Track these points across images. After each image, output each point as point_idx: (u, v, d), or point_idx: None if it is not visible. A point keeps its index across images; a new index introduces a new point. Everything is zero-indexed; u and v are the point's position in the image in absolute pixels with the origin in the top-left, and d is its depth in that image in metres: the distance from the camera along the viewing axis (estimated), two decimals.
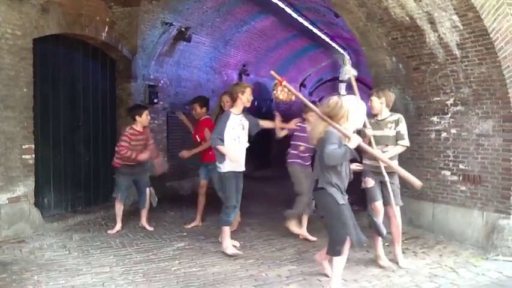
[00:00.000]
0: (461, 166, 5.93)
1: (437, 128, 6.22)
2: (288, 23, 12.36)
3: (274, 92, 4.58)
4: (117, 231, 6.39)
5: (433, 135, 6.29)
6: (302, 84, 19.74)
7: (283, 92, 4.33)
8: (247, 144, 5.58)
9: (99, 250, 5.63)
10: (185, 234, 6.44)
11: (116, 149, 6.40)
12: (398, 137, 5.07)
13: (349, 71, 5.33)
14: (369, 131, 4.95)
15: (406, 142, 5.08)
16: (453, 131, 6.02)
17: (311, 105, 4.59)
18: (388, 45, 6.35)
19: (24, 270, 4.84)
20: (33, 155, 6.32)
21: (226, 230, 5.50)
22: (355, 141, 4.07)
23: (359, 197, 5.52)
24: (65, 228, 6.61)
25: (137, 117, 6.43)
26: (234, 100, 5.61)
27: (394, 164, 4.68)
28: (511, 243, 5.25)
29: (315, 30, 13.30)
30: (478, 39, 5.19)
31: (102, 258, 5.35)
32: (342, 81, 23.34)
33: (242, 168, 5.50)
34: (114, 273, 4.84)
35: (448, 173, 6.10)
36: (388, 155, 4.91)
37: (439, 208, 6.22)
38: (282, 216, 6.26)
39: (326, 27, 13.42)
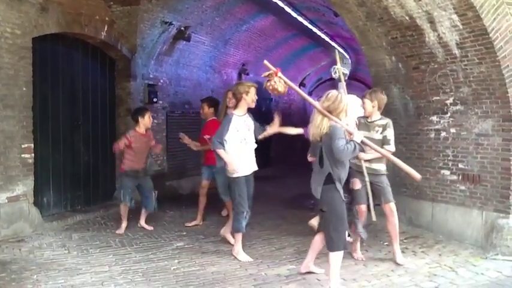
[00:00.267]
0: (460, 165, 5.93)
1: (436, 127, 6.21)
2: (287, 23, 12.37)
3: (268, 84, 4.24)
4: (125, 228, 6.41)
5: (432, 135, 6.29)
6: (302, 84, 19.74)
7: (281, 83, 4.13)
8: (255, 145, 5.38)
9: (98, 249, 5.63)
10: (184, 233, 6.44)
11: (127, 151, 6.42)
12: (384, 141, 5.13)
13: (339, 70, 5.31)
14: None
15: (391, 147, 5.14)
16: (452, 130, 6.02)
17: (309, 98, 4.56)
18: (387, 44, 6.35)
19: (23, 270, 4.83)
20: (33, 154, 6.31)
21: (238, 237, 5.33)
22: (358, 135, 4.16)
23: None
24: (64, 227, 6.61)
25: (140, 119, 6.43)
26: (237, 100, 5.37)
27: (393, 157, 4.60)
28: (510, 242, 5.25)
29: (315, 30, 13.31)
30: (478, 38, 5.18)
31: (102, 257, 5.35)
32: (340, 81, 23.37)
33: (251, 171, 5.32)
34: (113, 272, 4.84)
35: (447, 172, 6.10)
36: (374, 156, 4.96)
37: (439, 207, 6.22)
38: (281, 215, 6.26)
39: (326, 27, 13.43)
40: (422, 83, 6.21)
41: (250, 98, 5.25)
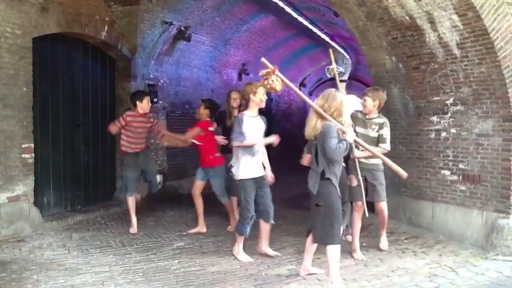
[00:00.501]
0: (460, 166, 5.93)
1: (437, 127, 6.21)
2: (287, 22, 12.37)
3: (266, 82, 4.17)
4: (136, 224, 6.44)
5: (432, 135, 6.28)
6: (302, 84, 19.75)
7: (278, 81, 4.11)
8: (263, 149, 5.28)
9: (98, 249, 5.63)
10: (185, 233, 6.44)
11: (122, 133, 6.43)
12: (380, 139, 5.30)
13: (333, 70, 5.34)
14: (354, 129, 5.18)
15: (387, 146, 5.31)
16: (453, 130, 6.01)
17: (305, 97, 4.58)
18: (387, 44, 6.34)
19: (23, 270, 4.83)
20: (33, 154, 6.31)
21: (240, 239, 5.30)
22: (351, 135, 4.28)
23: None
24: (64, 227, 6.61)
25: (138, 103, 6.39)
26: (246, 102, 5.31)
27: (383, 156, 4.73)
28: (510, 242, 5.25)
29: (315, 30, 13.32)
30: (478, 38, 5.18)
31: (102, 257, 5.35)
32: (342, 81, 23.34)
33: (261, 173, 5.20)
34: (113, 272, 4.84)
35: (447, 172, 6.10)
36: (364, 154, 5.15)
37: (439, 208, 6.22)
38: (282, 215, 6.26)
39: (326, 27, 13.43)
40: (422, 83, 6.21)
41: (258, 97, 5.12)
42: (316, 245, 4.60)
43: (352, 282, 4.55)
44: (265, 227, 5.28)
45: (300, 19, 11.93)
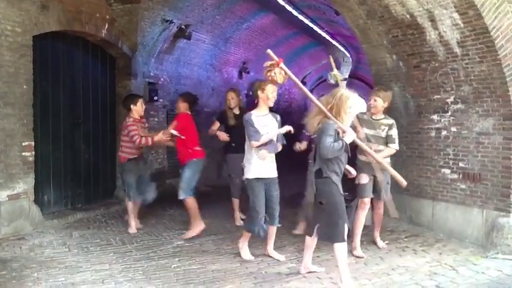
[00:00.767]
0: (461, 164, 5.92)
1: (437, 126, 6.21)
2: (288, 21, 12.35)
3: (268, 74, 4.07)
4: (137, 227, 6.37)
5: (433, 133, 6.28)
6: (302, 82, 19.71)
7: (281, 74, 4.03)
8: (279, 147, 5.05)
9: (98, 247, 5.63)
10: (184, 231, 6.43)
11: (125, 140, 6.22)
12: (389, 140, 5.38)
13: (336, 76, 5.38)
14: (364, 130, 5.27)
15: (396, 146, 5.41)
16: (453, 129, 6.01)
17: (308, 93, 4.52)
18: (388, 43, 6.34)
19: (24, 268, 4.84)
20: (33, 152, 6.31)
21: (247, 234, 5.20)
22: (351, 136, 4.22)
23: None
24: (64, 225, 6.61)
25: (132, 106, 6.28)
26: (256, 99, 5.11)
27: (385, 162, 4.78)
28: (510, 241, 5.25)
29: (315, 28, 13.30)
30: (479, 37, 5.18)
31: (102, 255, 5.35)
32: (342, 80, 23.33)
33: (271, 174, 5.02)
34: (113, 270, 4.85)
35: (448, 171, 6.10)
36: (382, 154, 5.15)
37: (439, 206, 6.22)
38: (282, 214, 6.24)
39: (326, 25, 13.42)
40: (423, 82, 6.21)
41: (265, 94, 4.96)
42: (315, 242, 4.60)
43: (353, 281, 4.54)
44: (270, 230, 5.19)
45: (301, 17, 11.91)
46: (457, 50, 5.53)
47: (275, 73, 4.36)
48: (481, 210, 5.67)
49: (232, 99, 6.68)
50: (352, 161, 4.96)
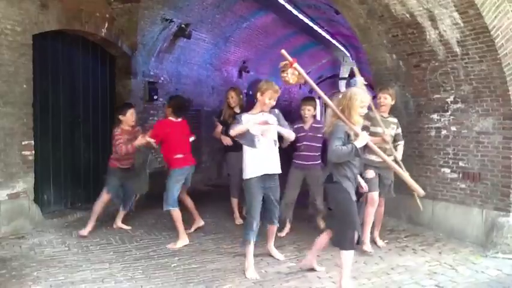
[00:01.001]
0: (461, 164, 5.93)
1: (437, 125, 6.21)
2: (288, 20, 12.34)
3: (284, 74, 3.99)
4: (89, 231, 6.05)
5: (433, 133, 6.28)
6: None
7: (294, 75, 3.92)
8: (272, 144, 4.75)
9: (98, 246, 5.63)
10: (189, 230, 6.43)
11: (114, 149, 6.13)
12: (397, 137, 5.51)
13: (360, 83, 5.18)
14: (383, 131, 5.23)
15: (403, 142, 5.60)
16: (453, 128, 6.01)
17: (322, 93, 4.30)
18: (388, 42, 6.33)
19: (23, 267, 4.84)
20: (33, 151, 6.30)
21: (245, 250, 4.79)
22: (363, 139, 4.00)
23: (361, 193, 5.55)
24: (64, 224, 6.61)
25: (121, 117, 6.11)
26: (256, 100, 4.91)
27: (399, 169, 4.45)
28: (510, 240, 5.25)
29: (315, 28, 13.29)
30: (479, 36, 5.18)
31: (102, 254, 5.35)
32: (342, 79, 23.30)
33: (270, 171, 4.72)
34: (113, 269, 4.85)
35: (447, 170, 6.10)
36: (399, 157, 5.28)
37: (439, 205, 6.22)
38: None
39: (326, 25, 13.41)
40: (423, 81, 6.21)
41: (263, 99, 4.71)
42: (325, 243, 4.53)
43: (352, 280, 4.54)
44: (271, 229, 5.10)
45: (301, 17, 11.91)
46: (457, 50, 5.53)
47: (287, 74, 4.27)
48: (480, 210, 5.67)
49: (232, 98, 6.67)
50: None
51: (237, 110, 6.64)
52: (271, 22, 12.32)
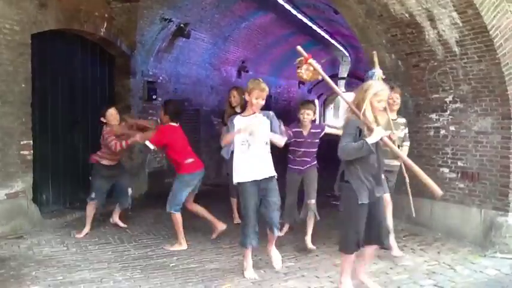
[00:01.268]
0: (459, 163, 5.93)
1: (436, 125, 6.21)
2: (287, 20, 12.36)
3: (298, 71, 4.15)
4: (86, 233, 6.06)
5: (431, 133, 6.28)
6: (301, 82, 19.72)
7: (308, 71, 4.04)
8: (263, 147, 4.49)
9: (97, 246, 5.63)
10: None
11: (104, 148, 6.00)
12: (404, 138, 5.38)
13: (378, 75, 4.98)
14: (395, 133, 5.04)
15: (409, 143, 5.46)
16: (452, 128, 6.02)
17: (338, 89, 4.13)
18: (387, 42, 6.33)
19: (22, 266, 4.83)
20: (32, 151, 6.31)
21: (244, 253, 4.73)
22: (376, 135, 3.69)
23: None
24: (63, 224, 6.61)
25: (102, 119, 5.99)
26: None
27: (418, 168, 3.99)
28: (509, 240, 5.25)
29: (314, 27, 13.31)
30: (478, 36, 5.18)
31: (101, 254, 5.35)
32: (341, 79, 23.30)
33: (265, 174, 4.50)
34: (112, 269, 4.84)
35: (446, 170, 6.10)
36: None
37: (438, 205, 6.22)
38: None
39: (325, 24, 13.44)
40: (421, 81, 6.21)
41: (250, 99, 4.47)
42: (365, 251, 4.10)
43: (351, 280, 4.54)
44: (270, 236, 4.77)
45: (300, 16, 11.93)
46: (456, 49, 5.53)
47: (302, 70, 4.10)
48: (479, 210, 5.67)
49: (234, 98, 6.65)
50: None
51: (238, 110, 6.62)
52: (270, 22, 12.33)
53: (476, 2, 4.90)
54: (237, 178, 4.59)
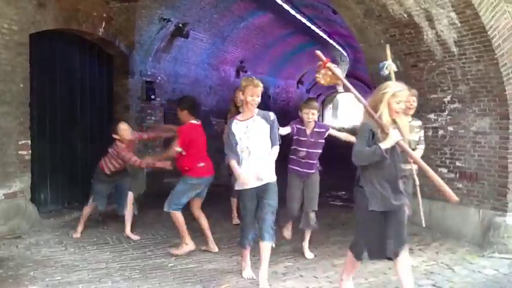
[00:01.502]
0: (458, 163, 5.93)
1: (434, 125, 6.22)
2: (285, 20, 12.36)
3: (317, 75, 4.01)
4: (80, 232, 6.00)
5: (430, 133, 6.28)
6: (300, 82, 19.72)
7: (326, 75, 3.89)
8: (266, 154, 4.33)
9: (95, 246, 5.62)
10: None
11: (113, 155, 5.84)
12: (419, 141, 5.18)
13: (390, 66, 4.70)
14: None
15: (423, 146, 5.25)
16: (450, 128, 6.02)
17: (356, 93, 3.93)
18: (386, 42, 6.32)
19: (20, 266, 4.83)
20: (30, 151, 6.30)
21: (242, 253, 4.67)
22: (390, 140, 3.46)
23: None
24: (61, 224, 6.60)
25: (114, 136, 5.79)
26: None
27: (434, 173, 3.81)
28: (507, 240, 5.26)
29: (313, 27, 13.31)
30: (476, 36, 5.19)
31: (99, 254, 5.34)
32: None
33: (263, 180, 4.33)
34: (110, 269, 4.84)
35: (444, 170, 6.10)
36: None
37: (436, 205, 6.22)
38: (278, 213, 6.22)
39: (324, 24, 13.43)
40: (420, 81, 6.21)
41: (245, 97, 4.31)
42: (397, 262, 3.71)
43: (350, 280, 4.55)
44: (261, 247, 4.38)
45: (298, 16, 11.92)
46: (454, 50, 5.54)
47: (320, 75, 3.99)
48: (477, 210, 5.68)
49: (238, 98, 6.65)
50: None
51: (241, 110, 6.62)
52: (268, 22, 12.33)
53: (474, 3, 4.90)
54: (238, 186, 4.47)
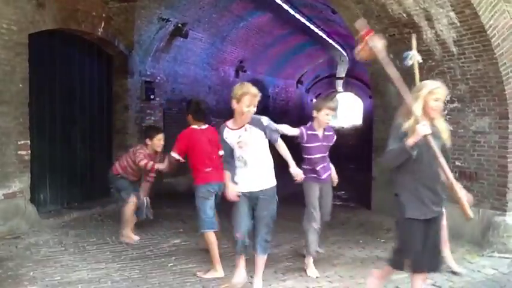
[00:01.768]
0: (457, 163, 5.93)
1: None
2: (285, 20, 12.36)
3: (356, 48, 3.63)
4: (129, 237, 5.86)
5: None
6: (299, 81, 19.74)
7: (364, 50, 3.50)
8: (261, 160, 4.08)
9: (95, 246, 5.62)
10: (181, 230, 6.44)
11: (128, 161, 5.80)
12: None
13: (414, 56, 4.33)
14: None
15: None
16: (449, 128, 6.01)
17: (397, 77, 3.50)
18: (385, 42, 6.33)
19: (19, 266, 4.82)
20: (29, 151, 6.29)
21: (236, 261, 4.29)
22: (417, 134, 3.14)
23: (358, 193, 5.49)
24: (60, 224, 6.60)
25: (147, 141, 5.69)
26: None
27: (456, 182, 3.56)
28: (506, 240, 5.27)
29: (312, 27, 13.31)
30: (475, 36, 5.19)
31: (98, 254, 5.34)
32: (339, 78, 23.28)
33: (258, 187, 4.06)
34: (110, 269, 4.83)
35: None
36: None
37: None
38: (277, 212, 6.21)
39: (323, 24, 13.43)
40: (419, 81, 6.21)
41: (240, 107, 3.90)
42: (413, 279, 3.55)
43: (349, 279, 4.56)
44: (255, 258, 4.20)
45: (297, 16, 11.92)
46: (454, 49, 5.54)
47: (358, 48, 3.59)
48: (477, 209, 5.67)
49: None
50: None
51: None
52: (268, 22, 12.34)
53: (473, 2, 4.91)
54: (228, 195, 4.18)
